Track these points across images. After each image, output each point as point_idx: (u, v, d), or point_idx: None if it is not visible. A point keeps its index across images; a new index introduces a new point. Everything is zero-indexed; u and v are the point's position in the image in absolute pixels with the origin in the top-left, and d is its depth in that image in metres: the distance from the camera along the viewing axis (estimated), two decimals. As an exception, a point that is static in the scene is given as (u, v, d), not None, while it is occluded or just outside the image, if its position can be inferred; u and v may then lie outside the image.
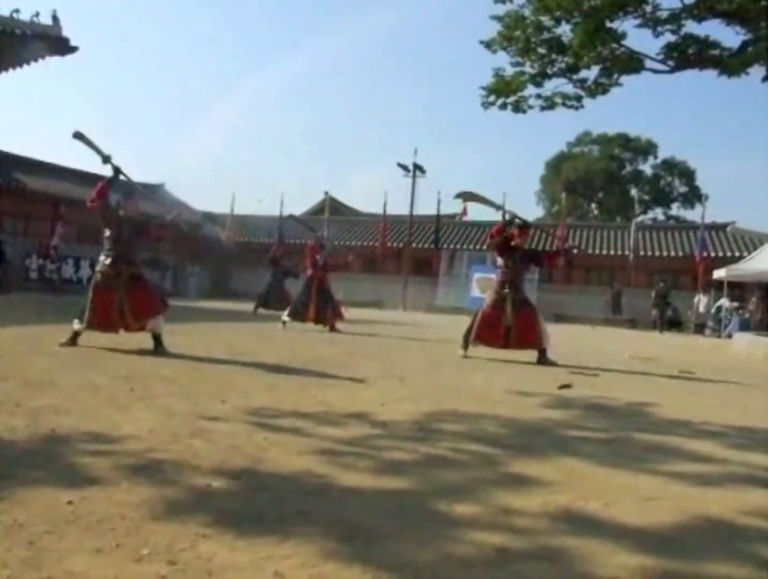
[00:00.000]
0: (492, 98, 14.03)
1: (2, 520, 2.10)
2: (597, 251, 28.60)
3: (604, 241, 29.84)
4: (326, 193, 34.81)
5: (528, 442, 3.73)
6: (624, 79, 14.82)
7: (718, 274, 22.34)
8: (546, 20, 13.44)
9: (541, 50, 13.50)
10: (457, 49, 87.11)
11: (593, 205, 51.24)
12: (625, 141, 49.79)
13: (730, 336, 19.11)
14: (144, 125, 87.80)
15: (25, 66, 18.37)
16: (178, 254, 29.50)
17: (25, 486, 2.44)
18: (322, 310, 12.36)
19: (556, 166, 50.11)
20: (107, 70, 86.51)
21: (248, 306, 17.60)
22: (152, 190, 32.41)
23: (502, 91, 13.61)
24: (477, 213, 36.10)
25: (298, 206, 37.26)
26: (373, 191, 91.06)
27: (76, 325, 6.86)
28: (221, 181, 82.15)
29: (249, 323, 13.52)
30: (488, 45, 13.70)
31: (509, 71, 14.03)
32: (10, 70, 18.53)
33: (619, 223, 35.74)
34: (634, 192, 37.82)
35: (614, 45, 13.52)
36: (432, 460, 3.22)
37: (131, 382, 4.79)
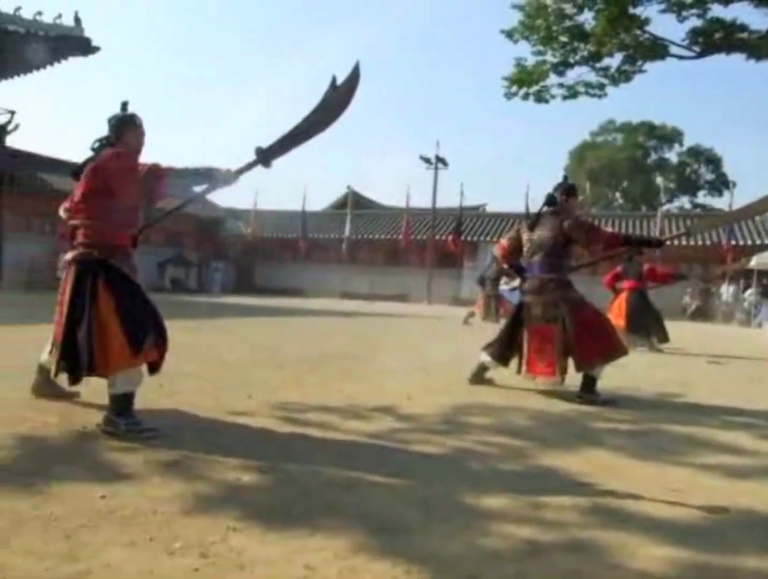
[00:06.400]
0: (514, 88, 13.95)
1: (39, 514, 2.14)
2: (622, 241, 28.23)
3: (629, 231, 29.44)
4: (348, 187, 34.88)
5: (556, 435, 3.72)
6: (648, 65, 14.59)
7: (749, 263, 21.95)
8: (568, 8, 13.32)
9: (563, 39, 13.40)
10: (478, 38, 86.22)
11: (617, 195, 50.61)
12: (649, 129, 49.04)
13: (760, 325, 18.82)
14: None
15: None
16: (202, 250, 29.81)
17: (60, 481, 2.48)
18: None
19: (579, 155, 49.59)
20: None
21: (272, 301, 17.51)
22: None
23: (525, 81, 13.54)
24: (498, 205, 35.88)
25: (321, 201, 37.29)
26: (396, 184, 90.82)
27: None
28: (245, 179, 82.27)
29: (274, 318, 13.59)
30: (509, 34, 13.62)
31: (531, 61, 13.94)
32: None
33: (645, 213, 35.19)
34: (659, 180, 37.10)
35: (637, 31, 13.36)
36: (459, 453, 3.23)
37: (159, 378, 4.82)
